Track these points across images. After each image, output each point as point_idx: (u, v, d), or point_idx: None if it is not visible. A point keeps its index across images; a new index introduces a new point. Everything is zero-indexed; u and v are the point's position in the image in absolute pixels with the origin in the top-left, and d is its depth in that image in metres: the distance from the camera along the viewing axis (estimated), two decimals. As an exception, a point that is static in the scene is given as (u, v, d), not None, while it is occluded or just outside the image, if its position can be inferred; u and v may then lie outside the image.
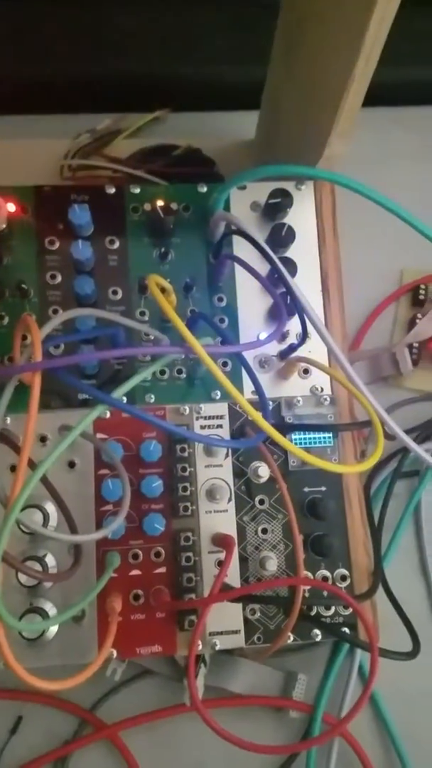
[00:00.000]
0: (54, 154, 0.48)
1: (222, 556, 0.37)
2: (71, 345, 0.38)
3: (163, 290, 0.32)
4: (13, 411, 0.31)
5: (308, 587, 0.36)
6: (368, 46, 0.30)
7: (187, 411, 0.38)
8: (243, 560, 0.37)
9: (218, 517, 0.38)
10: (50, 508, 0.36)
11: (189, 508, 0.37)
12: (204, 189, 0.41)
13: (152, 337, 0.37)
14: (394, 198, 0.32)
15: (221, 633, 0.36)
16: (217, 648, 0.36)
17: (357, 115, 0.34)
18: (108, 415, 0.38)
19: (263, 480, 0.38)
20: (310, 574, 0.38)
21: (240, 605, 0.37)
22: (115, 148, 0.48)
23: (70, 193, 0.40)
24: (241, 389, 0.39)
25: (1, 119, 0.50)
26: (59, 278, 0.39)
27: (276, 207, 0.40)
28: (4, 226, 0.38)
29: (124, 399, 0.38)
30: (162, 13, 0.54)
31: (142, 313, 0.39)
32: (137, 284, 0.39)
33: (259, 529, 0.38)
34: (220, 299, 0.40)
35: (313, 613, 0.37)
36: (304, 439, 0.39)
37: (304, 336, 0.37)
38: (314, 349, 0.40)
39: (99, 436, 0.38)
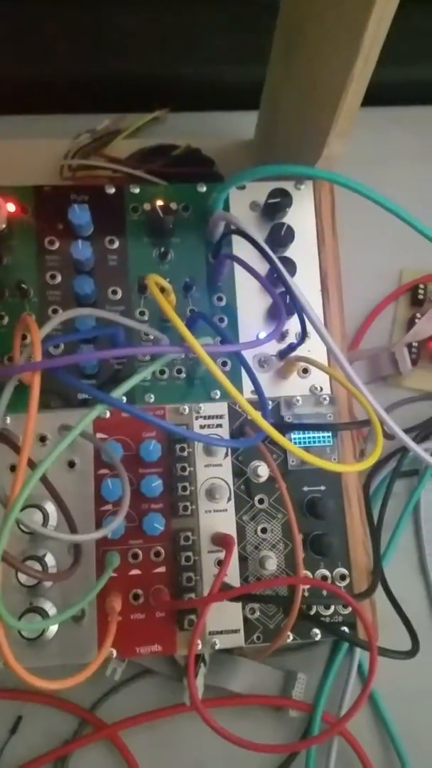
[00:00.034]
0: (54, 154, 0.48)
1: (221, 555, 0.37)
2: (71, 345, 0.38)
3: (162, 290, 0.32)
4: (12, 411, 0.31)
5: (307, 586, 0.36)
6: (367, 46, 0.30)
7: (187, 410, 0.38)
8: (242, 559, 0.37)
9: (218, 517, 0.38)
10: (50, 507, 0.36)
11: (189, 507, 0.37)
12: (203, 189, 0.41)
13: (152, 337, 0.37)
14: (393, 198, 0.33)
15: (221, 632, 0.37)
16: (217, 647, 0.36)
17: (356, 115, 0.34)
18: (108, 414, 0.38)
19: (263, 479, 0.38)
20: (309, 574, 0.38)
21: (239, 604, 0.37)
22: (115, 148, 0.48)
23: (69, 193, 0.40)
24: (240, 389, 0.39)
25: (1, 119, 0.50)
26: (59, 278, 0.39)
27: (275, 207, 0.40)
28: (3, 226, 0.38)
29: (124, 399, 0.38)
30: (162, 13, 0.54)
31: (142, 313, 0.39)
32: (137, 284, 0.39)
33: (259, 528, 0.38)
34: (220, 299, 0.40)
35: (312, 612, 0.37)
36: (304, 438, 0.39)
37: (303, 335, 0.37)
38: (313, 348, 0.40)
39: (99, 435, 0.38)
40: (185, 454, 0.38)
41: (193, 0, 0.55)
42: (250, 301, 0.40)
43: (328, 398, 0.40)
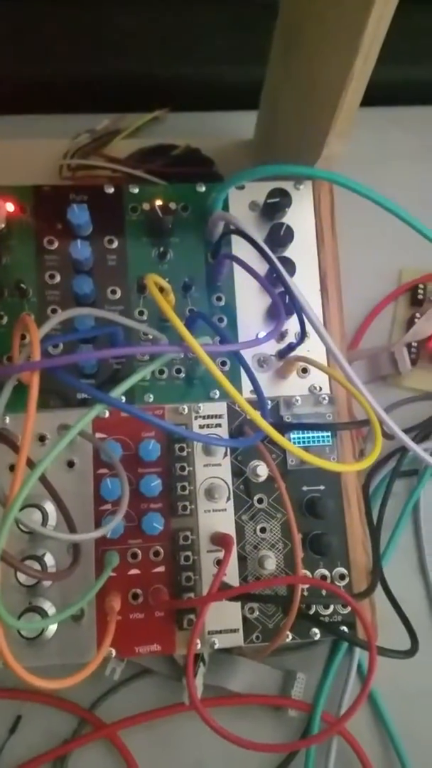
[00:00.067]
0: (53, 154, 0.48)
1: (221, 555, 0.37)
2: (70, 344, 0.38)
3: (161, 290, 0.32)
4: (12, 410, 0.31)
5: (307, 586, 0.36)
6: (366, 45, 0.30)
7: (186, 410, 0.38)
8: (242, 559, 0.37)
9: (217, 516, 0.38)
10: (49, 507, 0.36)
11: (188, 507, 0.37)
12: (203, 189, 0.41)
13: (151, 337, 0.37)
14: (393, 198, 0.33)
15: (220, 632, 0.37)
16: (216, 647, 0.36)
17: (355, 115, 0.34)
18: (107, 414, 0.38)
19: (262, 479, 0.38)
20: (308, 573, 0.38)
21: (239, 604, 0.37)
22: (114, 148, 0.48)
23: (69, 193, 0.40)
24: (239, 388, 0.39)
25: (0, 119, 0.50)
26: (58, 278, 0.39)
27: (274, 207, 0.40)
28: (3, 225, 0.38)
29: (123, 398, 0.38)
30: (162, 13, 0.54)
31: (141, 313, 0.39)
32: (136, 284, 0.39)
33: (258, 528, 0.38)
34: (219, 299, 0.40)
35: (311, 611, 0.37)
36: (303, 438, 0.39)
37: (302, 335, 0.37)
38: (313, 348, 0.40)
39: (98, 435, 0.38)
40: (184, 453, 0.38)
41: (193, 0, 0.55)
42: (250, 301, 0.40)
43: (327, 398, 0.40)
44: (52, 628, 0.35)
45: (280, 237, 0.40)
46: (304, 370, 0.40)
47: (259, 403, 0.34)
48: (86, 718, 0.40)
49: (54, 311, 0.39)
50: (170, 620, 0.36)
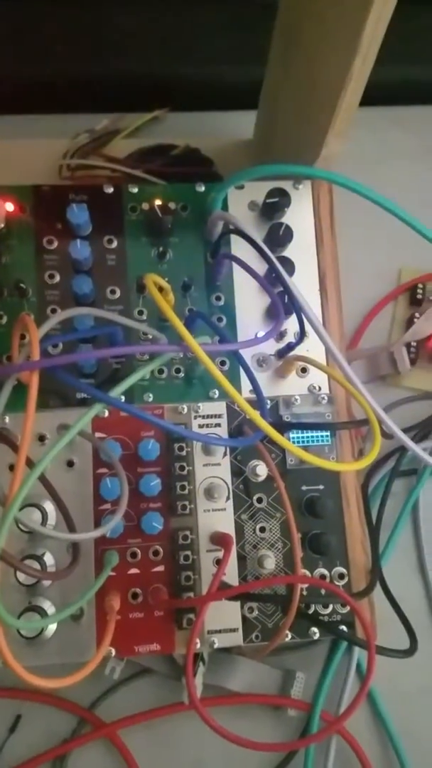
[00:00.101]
0: (53, 154, 0.48)
1: (220, 554, 0.37)
2: (69, 344, 0.38)
3: (161, 289, 0.32)
4: (11, 410, 0.31)
5: (306, 585, 0.36)
6: (365, 45, 0.30)
7: (186, 410, 0.38)
8: (241, 559, 0.38)
9: (216, 516, 0.38)
10: (49, 507, 0.36)
11: (187, 506, 0.37)
12: (202, 188, 0.41)
13: (150, 337, 0.37)
14: (392, 197, 0.33)
15: (219, 631, 0.37)
16: (216, 646, 0.36)
17: (354, 115, 0.34)
18: (106, 414, 0.38)
19: (261, 478, 0.38)
20: (308, 573, 0.38)
21: (238, 603, 0.37)
22: (114, 148, 0.48)
23: (68, 193, 0.40)
24: (239, 388, 0.39)
25: (0, 119, 0.50)
26: (57, 278, 0.39)
27: (274, 206, 0.40)
28: (2, 225, 0.38)
29: (123, 398, 0.38)
30: (162, 13, 0.54)
31: (141, 313, 0.39)
32: (135, 283, 0.39)
33: (257, 527, 0.38)
34: (218, 298, 0.40)
35: (311, 611, 0.37)
36: (302, 437, 0.39)
37: (301, 335, 0.37)
38: (312, 347, 0.40)
39: (97, 435, 0.38)
40: (184, 453, 0.38)
41: (193, 0, 0.55)
42: (249, 300, 0.40)
43: (326, 397, 0.40)
44: (52, 627, 0.35)
45: (280, 237, 0.40)
46: (304, 370, 0.40)
47: (258, 402, 0.34)
48: (86, 718, 0.40)
49: (53, 311, 0.39)
50: (170, 619, 0.36)
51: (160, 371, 0.39)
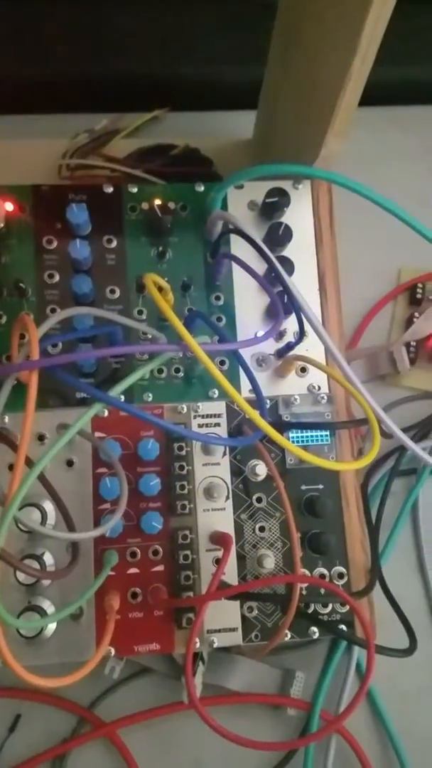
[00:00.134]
0: (52, 154, 0.48)
1: (220, 554, 0.37)
2: (69, 344, 0.38)
3: (160, 289, 0.32)
4: (11, 410, 0.32)
5: (305, 585, 0.36)
6: (364, 45, 0.30)
7: (185, 409, 0.38)
8: (240, 558, 0.38)
9: (216, 516, 0.38)
10: (48, 506, 0.36)
11: (187, 506, 0.37)
12: (201, 188, 0.41)
13: (150, 336, 0.37)
14: (391, 197, 0.33)
15: (219, 631, 0.37)
16: (215, 646, 0.36)
17: (354, 115, 0.34)
18: (106, 413, 0.38)
19: (261, 478, 0.38)
20: (307, 572, 0.38)
21: (237, 603, 0.37)
22: (113, 148, 0.49)
23: (68, 193, 0.40)
24: (238, 388, 0.39)
25: (0, 119, 0.50)
26: (57, 277, 0.39)
27: (273, 206, 0.40)
28: (2, 225, 0.38)
29: (122, 397, 0.38)
30: (162, 13, 0.55)
31: (140, 312, 0.39)
32: (135, 283, 0.39)
33: (257, 527, 0.38)
34: (218, 298, 0.40)
35: (310, 610, 0.37)
36: (302, 437, 0.39)
37: (301, 334, 0.37)
38: (311, 347, 0.40)
39: (97, 434, 0.38)
40: (183, 452, 0.38)
41: (192, 0, 0.55)
42: (248, 300, 0.40)
43: (326, 397, 0.40)
44: (51, 626, 0.35)
45: (279, 236, 0.40)
46: (303, 370, 0.40)
47: (257, 402, 0.34)
48: (85, 717, 0.40)
49: (53, 311, 0.39)
50: (169, 619, 0.36)
51: (160, 371, 0.39)
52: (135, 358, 0.39)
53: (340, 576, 0.38)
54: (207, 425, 0.39)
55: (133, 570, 0.37)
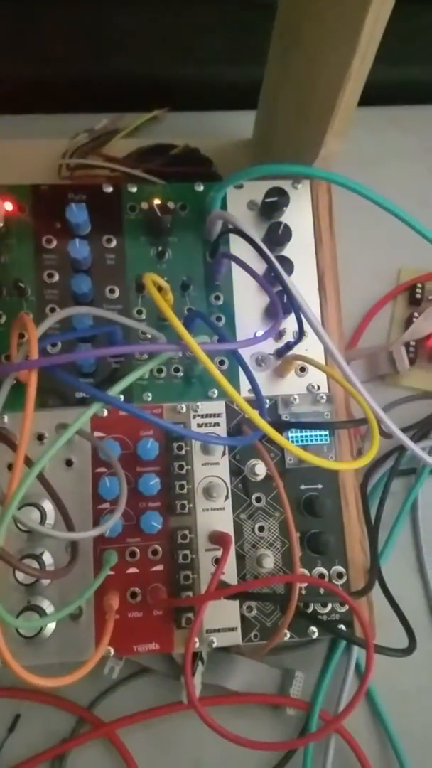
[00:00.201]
0: (52, 154, 0.48)
1: (219, 553, 0.37)
2: (68, 343, 0.38)
3: (160, 289, 0.32)
4: (10, 409, 0.32)
5: (305, 584, 0.36)
6: (364, 45, 0.30)
7: (185, 409, 0.38)
8: (240, 558, 0.38)
9: (215, 515, 0.38)
10: (48, 506, 0.36)
11: (186, 506, 0.37)
12: (201, 188, 0.41)
13: (149, 336, 0.37)
14: (391, 197, 0.33)
15: (218, 630, 0.37)
16: (214, 645, 0.36)
17: (353, 115, 0.34)
18: (105, 413, 0.38)
19: (260, 478, 0.38)
20: (306, 572, 0.38)
21: (237, 603, 0.37)
22: (113, 148, 0.49)
23: (67, 192, 0.40)
24: (237, 387, 0.39)
25: (0, 119, 0.50)
26: (56, 277, 0.39)
27: (273, 206, 0.40)
28: (1, 224, 0.38)
29: (122, 397, 0.38)
30: (162, 13, 0.55)
31: (140, 312, 0.39)
32: (134, 283, 0.39)
33: (256, 526, 0.38)
34: (217, 298, 0.40)
35: (309, 610, 0.37)
36: (301, 437, 0.39)
37: (300, 334, 0.37)
38: (311, 347, 0.40)
39: (96, 434, 0.38)
40: (183, 452, 0.38)
41: (192, 0, 0.55)
42: (248, 300, 0.40)
43: (325, 397, 0.40)
44: (51, 626, 0.35)
45: (278, 236, 0.40)
46: (302, 369, 0.40)
47: (257, 401, 0.34)
48: (85, 717, 0.40)
49: (52, 310, 0.39)
50: (168, 619, 0.36)
51: (159, 370, 0.39)
52: (134, 358, 0.39)
53: (340, 576, 0.38)
54: (206, 425, 0.39)
55: (133, 570, 0.37)
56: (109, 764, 0.40)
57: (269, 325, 0.40)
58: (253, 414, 0.29)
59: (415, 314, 0.48)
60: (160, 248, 0.39)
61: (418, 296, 0.49)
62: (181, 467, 0.38)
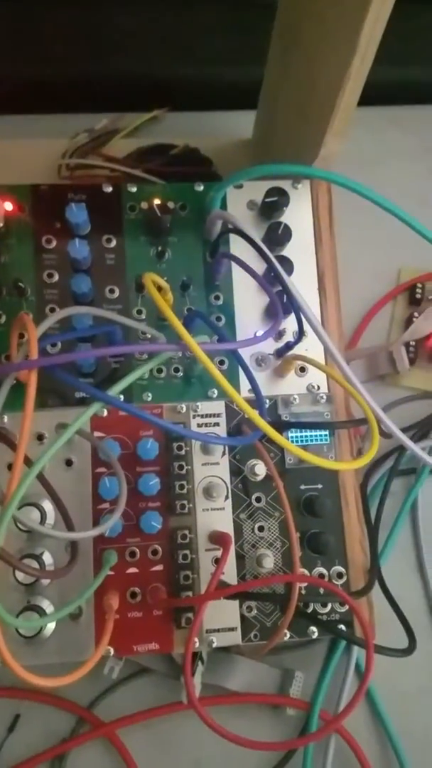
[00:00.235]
0: (52, 154, 0.48)
1: (219, 553, 0.37)
2: (68, 343, 0.38)
3: (159, 289, 0.32)
4: (10, 409, 0.32)
5: (305, 584, 0.36)
6: (363, 45, 0.30)
7: (184, 409, 0.38)
8: (240, 558, 0.38)
9: (215, 515, 0.38)
10: (47, 506, 0.36)
11: (186, 506, 0.37)
12: (201, 188, 0.41)
13: (149, 336, 0.37)
14: (391, 197, 0.33)
15: (218, 630, 0.37)
16: (214, 645, 0.36)
17: (353, 115, 0.34)
18: (105, 413, 0.38)
19: (260, 478, 0.38)
20: (306, 572, 0.38)
21: (237, 602, 0.37)
22: (113, 148, 0.49)
23: (67, 192, 0.40)
24: (237, 387, 0.39)
25: (0, 119, 0.51)
26: (56, 277, 0.39)
27: (272, 206, 0.40)
28: (1, 224, 0.38)
29: (121, 397, 0.38)
30: (162, 13, 0.55)
31: (139, 312, 0.39)
32: (134, 283, 0.39)
33: (256, 526, 0.38)
34: (217, 298, 0.40)
35: (309, 610, 0.37)
36: (301, 436, 0.39)
37: (300, 334, 0.37)
38: (311, 347, 0.40)
39: (96, 434, 0.38)
40: (182, 452, 0.38)
41: (193, 0, 0.55)
42: (248, 300, 0.40)
43: (325, 397, 0.40)
44: (51, 626, 0.35)
45: (278, 236, 0.40)
46: (302, 369, 0.40)
47: (257, 401, 0.34)
48: (84, 717, 0.40)
49: (52, 310, 0.39)
50: (168, 619, 0.36)
51: (159, 370, 0.39)
52: (134, 358, 0.39)
53: (339, 576, 0.38)
54: (206, 425, 0.39)
55: (133, 569, 0.37)
56: (108, 764, 0.40)
57: (269, 325, 0.40)
58: (253, 414, 0.29)
59: (415, 314, 0.48)
60: (159, 248, 0.39)
61: (418, 296, 0.49)
62: (181, 467, 0.38)
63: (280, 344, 0.40)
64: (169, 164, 0.47)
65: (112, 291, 0.39)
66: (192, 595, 0.37)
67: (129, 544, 0.37)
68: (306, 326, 0.36)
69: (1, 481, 0.29)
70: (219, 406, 0.39)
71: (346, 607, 0.37)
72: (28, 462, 0.30)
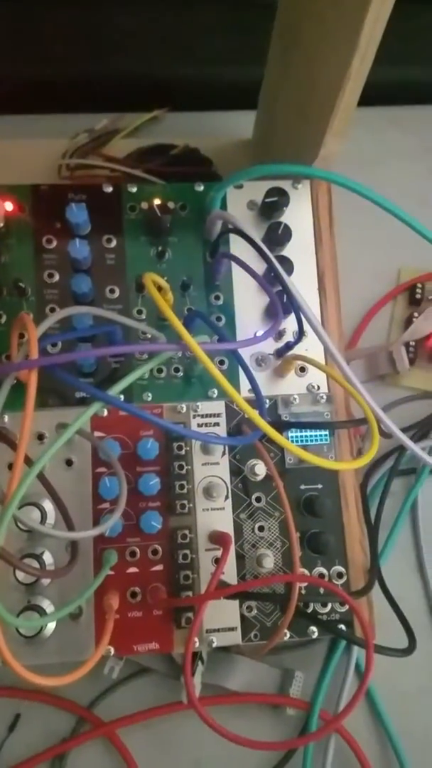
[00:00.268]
0: (52, 154, 0.48)
1: (219, 553, 0.37)
2: (68, 343, 0.38)
3: (159, 289, 0.32)
4: (10, 409, 0.31)
5: (305, 584, 0.36)
6: (363, 45, 0.30)
7: (184, 409, 0.38)
8: (240, 558, 0.38)
9: (215, 515, 0.38)
10: (48, 506, 0.36)
11: (186, 505, 0.37)
12: (201, 188, 0.41)
13: (149, 336, 0.37)
14: (391, 197, 0.33)
15: (218, 630, 0.37)
16: (214, 645, 0.36)
17: (353, 115, 0.34)
18: (105, 413, 0.38)
19: (260, 478, 0.38)
20: (306, 571, 0.38)
21: (237, 602, 0.37)
22: (113, 148, 0.49)
23: (67, 192, 0.40)
24: (237, 387, 0.39)
25: (0, 119, 0.51)
26: (56, 277, 0.39)
27: (272, 206, 0.40)
28: (1, 224, 0.38)
29: (122, 397, 0.38)
30: (162, 13, 0.55)
31: (140, 312, 0.39)
32: (134, 283, 0.39)
33: (256, 526, 0.38)
34: (217, 298, 0.40)
35: (309, 610, 0.37)
36: (301, 436, 0.39)
37: (300, 334, 0.37)
38: (311, 347, 0.40)
39: (96, 434, 0.38)
40: (183, 452, 0.38)
41: (193, 0, 0.55)
42: (248, 300, 0.40)
43: (325, 396, 0.40)
44: (51, 626, 0.35)
45: (278, 236, 0.40)
46: (302, 369, 0.40)
47: (257, 401, 0.34)
48: (85, 717, 0.40)
49: (52, 310, 0.39)
50: (168, 618, 0.36)
51: (159, 370, 0.39)
52: (134, 358, 0.39)
53: (340, 575, 0.38)
54: (206, 425, 0.39)
55: (133, 569, 0.37)
56: (109, 764, 0.40)
57: (269, 325, 0.40)
58: (253, 414, 0.29)
59: (415, 314, 0.48)
60: (160, 248, 0.40)
61: (418, 296, 0.49)
62: (181, 467, 0.38)
63: (280, 344, 0.40)
64: (169, 164, 0.47)
65: (112, 291, 0.39)
66: (192, 594, 0.37)
67: (129, 544, 0.37)
68: (306, 326, 0.36)
69: (1, 481, 0.29)
70: (219, 406, 0.39)
71: (346, 607, 0.37)
72: (29, 462, 0.30)
